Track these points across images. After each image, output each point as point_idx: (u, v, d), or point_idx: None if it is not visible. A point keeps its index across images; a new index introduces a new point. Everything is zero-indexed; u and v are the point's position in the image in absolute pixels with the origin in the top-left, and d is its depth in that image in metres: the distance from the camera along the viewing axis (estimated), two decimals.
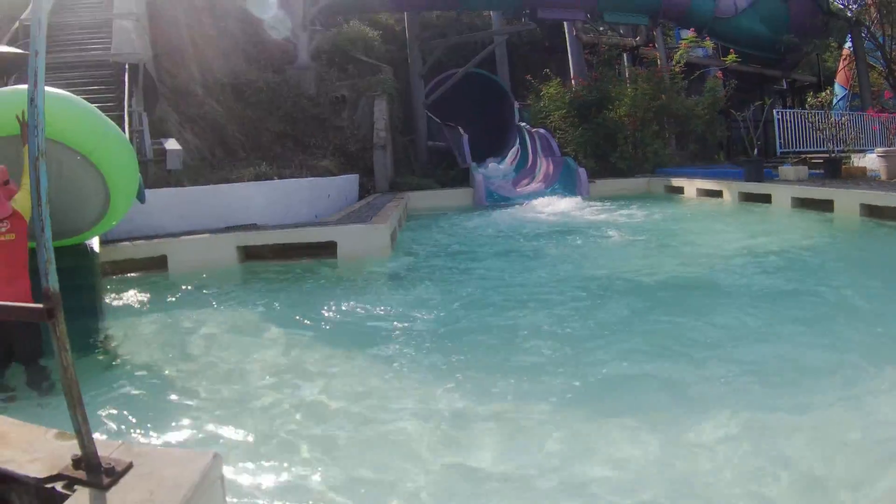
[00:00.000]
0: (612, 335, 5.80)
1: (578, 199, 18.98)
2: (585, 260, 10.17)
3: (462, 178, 23.34)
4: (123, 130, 11.54)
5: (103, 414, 4.62)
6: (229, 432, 4.18)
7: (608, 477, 3.60)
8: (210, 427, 4.31)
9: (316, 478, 3.67)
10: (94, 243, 7.54)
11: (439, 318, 6.63)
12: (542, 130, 24.80)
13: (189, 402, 4.80)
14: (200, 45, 20.82)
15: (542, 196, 19.61)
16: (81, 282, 6.73)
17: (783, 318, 6.19)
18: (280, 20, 23.55)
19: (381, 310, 7.03)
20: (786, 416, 4.09)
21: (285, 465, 3.81)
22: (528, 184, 22.75)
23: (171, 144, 13.08)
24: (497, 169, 25.92)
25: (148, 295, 8.34)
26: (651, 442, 3.91)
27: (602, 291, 7.60)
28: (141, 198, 8.11)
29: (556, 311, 6.75)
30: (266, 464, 3.82)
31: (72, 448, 2.26)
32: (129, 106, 12.41)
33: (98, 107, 12.06)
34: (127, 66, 13.36)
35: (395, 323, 6.51)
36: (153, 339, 6.52)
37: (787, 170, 17.48)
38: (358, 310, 7.06)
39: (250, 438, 4.08)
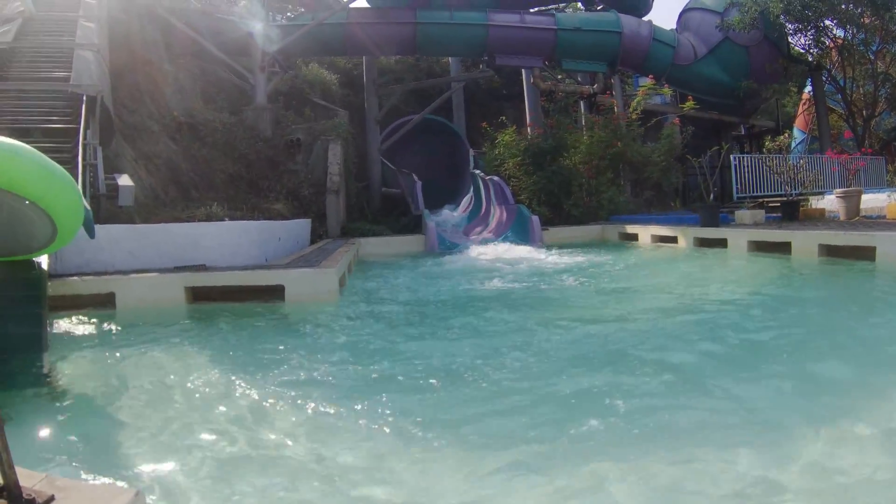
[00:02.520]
0: (556, 383, 5.84)
1: (531, 246, 19.13)
2: (533, 305, 10.29)
3: (415, 225, 23.53)
4: (77, 163, 11.62)
5: (32, 445, 4.67)
6: (159, 472, 4.21)
7: None
8: (141, 466, 4.33)
9: None
10: (44, 276, 7.57)
11: (382, 364, 6.69)
12: (496, 178, 25.03)
13: (123, 440, 4.82)
14: (158, 81, 20.88)
15: (495, 243, 19.79)
16: (27, 311, 6.77)
17: (743, 362, 6.32)
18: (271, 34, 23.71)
19: (324, 354, 7.08)
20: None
21: None
22: (481, 231, 22.99)
23: (124, 181, 13.07)
24: (450, 216, 26.16)
25: (94, 331, 8.34)
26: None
27: (551, 337, 7.67)
28: (90, 232, 8.16)
29: (501, 356, 6.83)
30: None
31: None
32: (85, 138, 12.39)
33: (54, 140, 12.25)
34: (85, 98, 13.34)
35: (336, 367, 6.55)
36: (94, 375, 6.54)
37: (743, 214, 17.73)
38: (300, 353, 7.10)
39: (180, 479, 4.12)
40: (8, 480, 2.20)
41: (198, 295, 10.08)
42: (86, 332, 8.32)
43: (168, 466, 4.27)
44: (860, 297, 9.80)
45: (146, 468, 4.27)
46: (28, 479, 2.29)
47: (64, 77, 14.55)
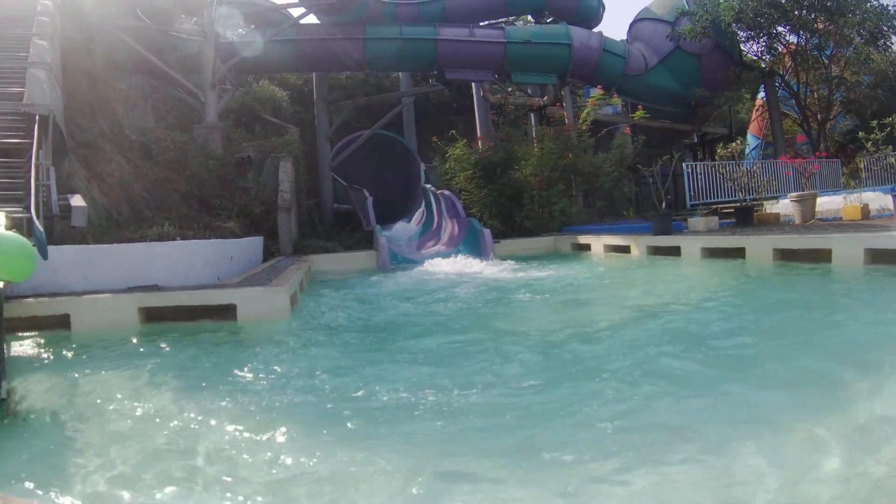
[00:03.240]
0: (514, 394, 6.01)
1: (484, 259, 19.37)
2: (484, 318, 10.51)
3: (367, 241, 23.74)
4: (30, 183, 11.69)
5: None
6: (110, 493, 4.29)
7: None
8: (93, 487, 4.41)
9: None
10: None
11: (332, 382, 6.80)
12: (447, 192, 25.27)
13: (78, 462, 4.92)
14: (111, 99, 20.90)
15: (447, 257, 19.97)
16: None
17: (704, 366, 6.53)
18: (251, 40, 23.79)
19: (275, 373, 7.22)
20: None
21: None
22: (434, 245, 23.17)
23: (77, 201, 13.13)
24: (402, 230, 26.27)
25: (49, 352, 8.46)
26: None
27: (505, 349, 7.84)
28: (43, 254, 8.32)
29: (455, 370, 6.98)
30: None
31: None
32: (37, 159, 12.46)
33: (6, 158, 12.35)
34: (38, 118, 13.40)
35: (287, 386, 6.67)
36: (49, 397, 6.64)
37: (696, 221, 18.01)
38: (253, 372, 7.24)
39: (131, 501, 4.24)
40: None
41: (151, 315, 10.21)
42: (41, 355, 8.44)
43: (121, 488, 4.36)
44: (819, 297, 10.06)
45: (98, 489, 4.37)
46: None
47: (16, 96, 14.57)
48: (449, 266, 18.60)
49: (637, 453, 4.56)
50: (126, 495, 4.27)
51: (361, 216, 26.56)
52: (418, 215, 28.42)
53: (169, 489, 4.36)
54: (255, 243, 18.52)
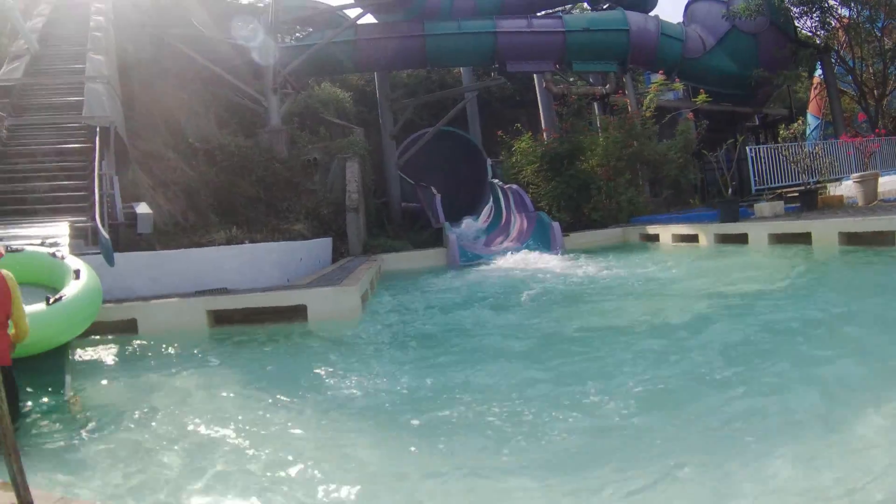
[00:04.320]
0: (601, 401, 5.69)
1: (553, 254, 18.95)
2: (561, 317, 10.17)
3: (436, 239, 23.46)
4: (94, 193, 11.65)
5: (49, 467, 4.62)
6: (177, 498, 4.14)
7: None
8: (159, 493, 4.27)
9: None
10: None
11: (405, 386, 6.57)
12: (514, 186, 24.88)
13: (142, 464, 4.78)
14: (172, 108, 20.94)
15: (517, 253, 19.58)
16: None
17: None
18: (266, 47, 23.68)
19: (348, 376, 7.00)
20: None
21: None
22: (503, 241, 22.79)
23: (142, 209, 13.08)
24: (471, 226, 26.00)
25: (116, 357, 8.35)
26: None
27: (582, 352, 7.54)
28: (110, 261, 8.18)
29: (531, 372, 6.72)
30: None
31: (9, 498, 2.23)
32: (100, 169, 12.42)
33: (70, 171, 12.42)
34: (98, 129, 13.40)
35: (361, 389, 6.47)
36: (116, 400, 6.53)
37: (762, 206, 17.52)
38: (324, 375, 7.05)
39: None
40: (22, 501, 2.16)
41: (220, 318, 10.03)
42: (108, 358, 8.32)
43: (188, 493, 4.18)
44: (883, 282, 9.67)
45: (163, 495, 4.19)
46: (43, 500, 2.25)
47: (76, 110, 14.63)
48: (518, 262, 18.29)
49: None
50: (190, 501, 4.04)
51: (430, 214, 26.30)
52: (486, 211, 28.13)
53: (235, 493, 4.22)
54: (323, 244, 18.37)
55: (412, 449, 4.80)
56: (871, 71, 29.29)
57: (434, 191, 26.81)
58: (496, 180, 28.07)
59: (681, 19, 31.60)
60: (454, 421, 5.39)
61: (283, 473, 4.48)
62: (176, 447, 5.04)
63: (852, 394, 5.02)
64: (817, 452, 4.09)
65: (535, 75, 30.05)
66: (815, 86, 34.04)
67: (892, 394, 4.85)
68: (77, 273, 7.73)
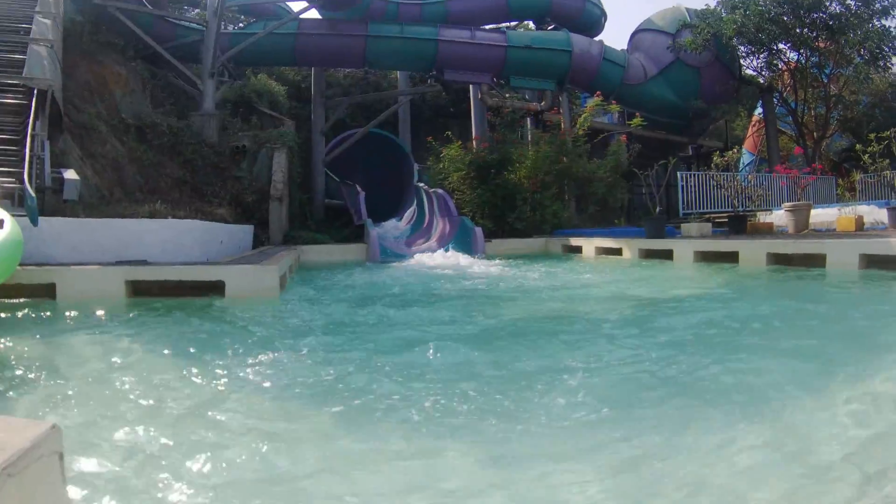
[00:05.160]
0: (492, 379, 5.84)
1: (473, 257, 19.33)
2: (470, 307, 10.43)
3: (357, 236, 23.75)
4: (25, 154, 11.76)
5: None
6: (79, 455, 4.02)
7: None
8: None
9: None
10: None
11: (320, 357, 6.78)
12: (439, 191, 25.25)
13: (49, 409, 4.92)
14: (109, 82, 20.89)
15: (436, 252, 20.11)
16: None
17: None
18: (209, 30, 23.77)
19: (263, 348, 7.14)
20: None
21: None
22: (424, 243, 23.06)
23: (70, 174, 13.19)
24: (392, 228, 26.27)
25: (34, 318, 8.49)
26: None
27: (488, 336, 7.83)
28: (34, 220, 8.38)
29: (437, 352, 6.95)
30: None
31: None
32: (34, 129, 12.50)
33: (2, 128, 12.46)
34: (36, 91, 13.45)
35: (275, 359, 6.61)
36: (25, 358, 6.63)
37: (690, 226, 17.89)
38: (236, 346, 7.20)
39: (103, 465, 3.93)
40: None
41: (138, 289, 10.18)
42: (26, 320, 8.43)
43: (91, 453, 4.20)
44: (813, 298, 9.91)
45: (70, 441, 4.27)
46: None
47: (16, 71, 14.61)
48: (438, 260, 18.70)
49: None
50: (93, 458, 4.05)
51: (353, 211, 26.50)
52: (409, 213, 28.42)
53: (136, 454, 4.19)
54: (245, 230, 18.55)
55: (314, 415, 4.97)
56: (812, 114, 30.36)
57: (358, 188, 27.04)
58: (422, 184, 28.38)
59: (625, 47, 32.38)
60: (359, 394, 5.58)
61: (178, 441, 4.52)
62: (77, 408, 5.12)
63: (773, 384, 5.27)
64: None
65: (470, 87, 30.44)
66: (753, 123, 35.09)
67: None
68: (0, 223, 7.94)
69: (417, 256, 19.68)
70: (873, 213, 17.95)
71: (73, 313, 8.76)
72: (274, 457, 4.11)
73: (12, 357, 6.62)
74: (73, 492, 3.33)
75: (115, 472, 3.80)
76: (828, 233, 16.48)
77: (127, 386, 5.65)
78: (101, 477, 3.68)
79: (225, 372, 6.11)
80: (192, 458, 3.98)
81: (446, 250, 20.63)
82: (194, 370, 6.19)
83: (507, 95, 32.32)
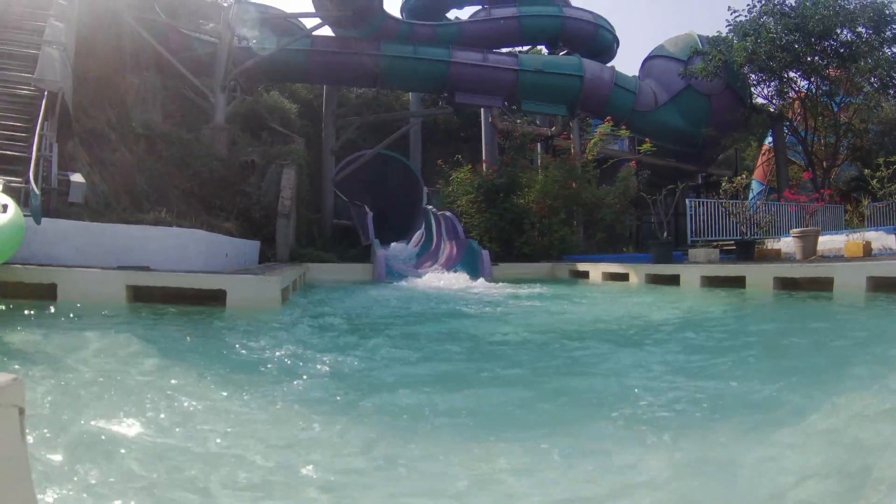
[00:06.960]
0: (495, 392, 5.84)
1: (479, 279, 19.19)
2: (474, 325, 10.36)
3: (364, 256, 23.70)
4: (32, 153, 11.69)
5: None
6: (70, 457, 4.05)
7: None
8: (53, 453, 4.23)
9: None
10: None
11: (320, 367, 6.68)
12: (448, 213, 25.24)
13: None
14: (121, 90, 20.88)
15: (443, 274, 20.07)
16: None
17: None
18: (223, 44, 23.80)
19: (262, 356, 7.07)
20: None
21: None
22: (431, 265, 23.03)
23: (77, 178, 13.12)
24: (400, 250, 26.30)
25: (33, 316, 8.38)
26: None
27: (492, 354, 7.75)
28: (37, 219, 8.29)
29: (436, 367, 6.88)
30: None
31: None
32: (42, 129, 12.43)
33: (13, 130, 12.39)
34: (46, 93, 13.39)
35: (273, 369, 6.54)
36: (21, 355, 6.53)
37: (697, 252, 17.74)
38: (237, 353, 7.13)
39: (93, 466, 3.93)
40: None
41: (139, 294, 10.07)
42: (24, 319, 8.32)
43: (79, 449, 4.10)
44: (822, 322, 9.77)
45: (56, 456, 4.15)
46: None
47: (28, 72, 14.56)
48: (443, 282, 18.58)
49: None
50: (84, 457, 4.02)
51: (360, 232, 26.50)
52: (417, 236, 28.39)
53: (124, 454, 4.05)
54: (251, 245, 18.46)
55: (309, 420, 4.90)
56: (822, 143, 30.23)
57: (367, 209, 27.04)
58: (430, 206, 28.36)
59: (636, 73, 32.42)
60: (362, 400, 5.51)
61: (170, 443, 4.47)
62: (70, 407, 5.02)
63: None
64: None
65: (481, 110, 30.49)
66: (763, 153, 34.96)
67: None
68: (4, 207, 7.88)
69: (424, 278, 19.59)
70: (881, 239, 17.77)
71: (71, 314, 8.65)
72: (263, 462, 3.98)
73: (3, 354, 6.52)
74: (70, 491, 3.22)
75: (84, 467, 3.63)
76: (836, 258, 16.28)
77: (105, 388, 5.46)
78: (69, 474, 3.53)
79: (216, 379, 5.99)
80: (181, 464, 3.85)
81: (454, 272, 20.47)
82: (188, 377, 6.04)
83: (517, 120, 32.36)
